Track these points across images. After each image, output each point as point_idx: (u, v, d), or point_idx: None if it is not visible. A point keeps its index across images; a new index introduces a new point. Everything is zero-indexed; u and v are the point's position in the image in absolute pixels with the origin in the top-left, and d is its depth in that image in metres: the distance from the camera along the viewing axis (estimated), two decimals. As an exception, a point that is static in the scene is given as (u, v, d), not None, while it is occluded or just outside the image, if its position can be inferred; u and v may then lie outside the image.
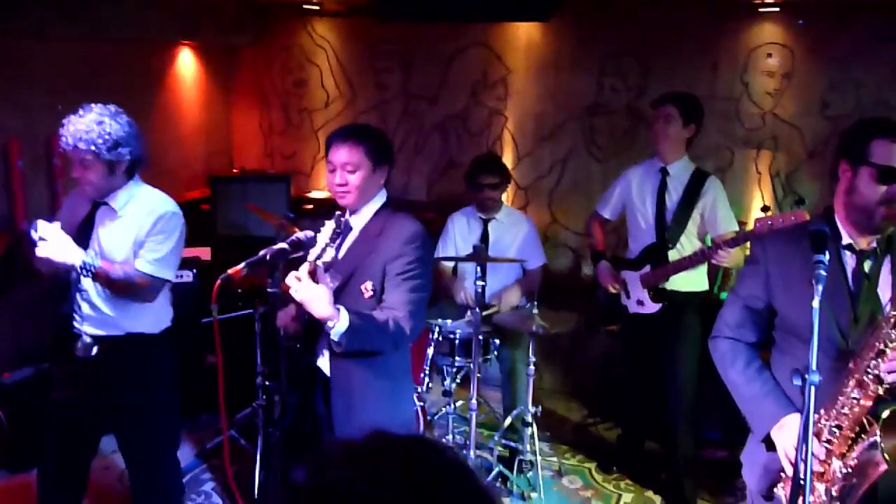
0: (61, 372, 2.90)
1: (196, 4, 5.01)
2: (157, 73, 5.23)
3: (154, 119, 5.22)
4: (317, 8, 5.38)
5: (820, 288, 1.79)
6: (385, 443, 0.89)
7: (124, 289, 2.72)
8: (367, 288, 2.52)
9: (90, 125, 2.65)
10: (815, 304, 1.78)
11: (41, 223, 2.63)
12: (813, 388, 1.77)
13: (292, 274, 2.36)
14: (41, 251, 2.60)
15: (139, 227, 2.76)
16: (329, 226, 2.40)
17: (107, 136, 2.67)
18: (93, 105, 2.72)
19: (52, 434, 2.93)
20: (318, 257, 2.36)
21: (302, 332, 2.65)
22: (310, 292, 2.33)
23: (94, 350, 2.78)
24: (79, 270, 2.63)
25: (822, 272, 1.81)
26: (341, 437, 2.49)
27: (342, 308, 2.36)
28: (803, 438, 1.79)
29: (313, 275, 2.36)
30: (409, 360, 2.76)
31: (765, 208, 4.44)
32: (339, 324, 2.34)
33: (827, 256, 1.84)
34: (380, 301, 2.53)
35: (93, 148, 2.64)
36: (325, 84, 5.63)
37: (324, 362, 2.65)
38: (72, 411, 2.86)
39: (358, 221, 2.63)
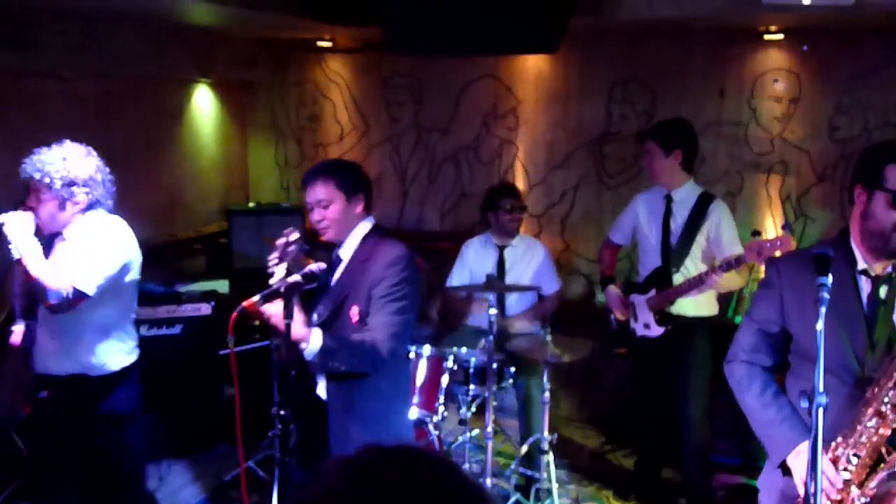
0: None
1: (211, 42, 5.14)
2: (174, 109, 5.34)
3: (172, 155, 5.32)
4: (329, 45, 5.50)
5: (823, 311, 1.80)
6: (378, 455, 0.92)
7: (34, 282, 2.62)
8: (354, 312, 2.58)
9: (54, 159, 2.67)
10: (819, 326, 1.79)
11: (11, 215, 2.66)
12: (821, 411, 1.76)
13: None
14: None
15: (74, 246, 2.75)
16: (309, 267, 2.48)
17: (65, 173, 2.67)
18: (66, 141, 2.74)
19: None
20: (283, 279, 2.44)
21: (293, 358, 2.70)
22: (277, 313, 2.41)
23: (44, 392, 2.83)
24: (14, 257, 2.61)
25: (825, 294, 1.82)
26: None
27: (315, 330, 2.45)
28: (811, 462, 1.78)
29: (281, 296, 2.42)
30: (406, 383, 2.79)
31: (755, 233, 4.43)
32: (311, 344, 2.43)
33: (830, 279, 1.84)
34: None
35: (46, 180, 2.65)
36: (339, 118, 5.73)
37: (322, 390, 2.71)
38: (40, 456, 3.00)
39: (346, 252, 2.71)
